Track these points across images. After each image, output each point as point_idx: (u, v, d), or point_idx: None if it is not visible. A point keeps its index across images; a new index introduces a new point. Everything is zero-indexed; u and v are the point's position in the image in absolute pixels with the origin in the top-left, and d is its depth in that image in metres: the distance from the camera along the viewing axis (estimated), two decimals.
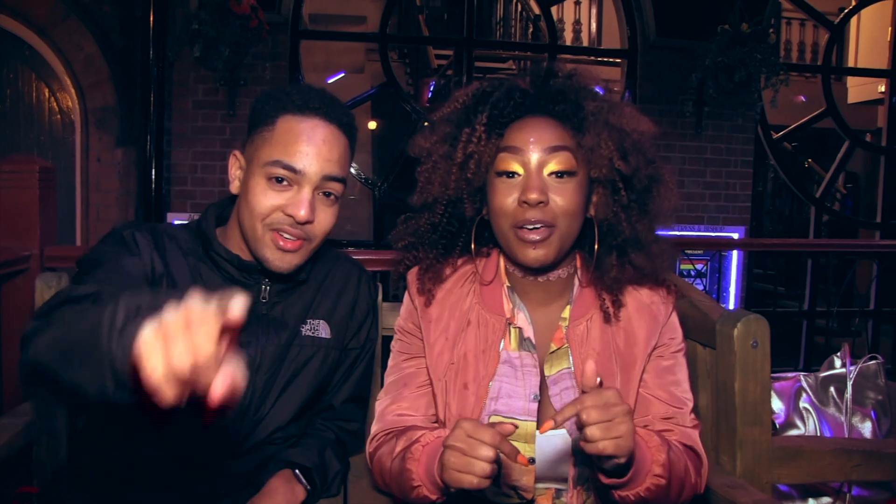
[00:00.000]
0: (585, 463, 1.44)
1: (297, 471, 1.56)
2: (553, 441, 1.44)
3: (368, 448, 1.58)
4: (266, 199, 1.46)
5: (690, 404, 1.52)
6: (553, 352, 1.50)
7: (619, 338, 1.50)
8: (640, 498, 1.34)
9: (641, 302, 1.52)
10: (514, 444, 1.40)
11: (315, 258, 1.64)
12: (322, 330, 1.64)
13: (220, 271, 1.55)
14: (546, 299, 1.54)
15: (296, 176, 1.45)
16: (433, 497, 1.35)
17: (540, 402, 1.47)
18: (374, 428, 1.59)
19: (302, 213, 1.45)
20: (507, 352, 1.51)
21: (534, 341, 1.50)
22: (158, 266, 1.48)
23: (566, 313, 1.52)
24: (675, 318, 1.56)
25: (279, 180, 1.46)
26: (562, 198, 1.41)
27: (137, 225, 1.52)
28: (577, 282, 1.55)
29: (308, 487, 1.55)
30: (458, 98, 1.55)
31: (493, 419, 1.44)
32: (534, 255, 1.42)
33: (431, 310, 1.56)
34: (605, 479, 1.32)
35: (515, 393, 1.47)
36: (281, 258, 1.49)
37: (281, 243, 1.47)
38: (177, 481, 1.53)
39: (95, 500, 1.53)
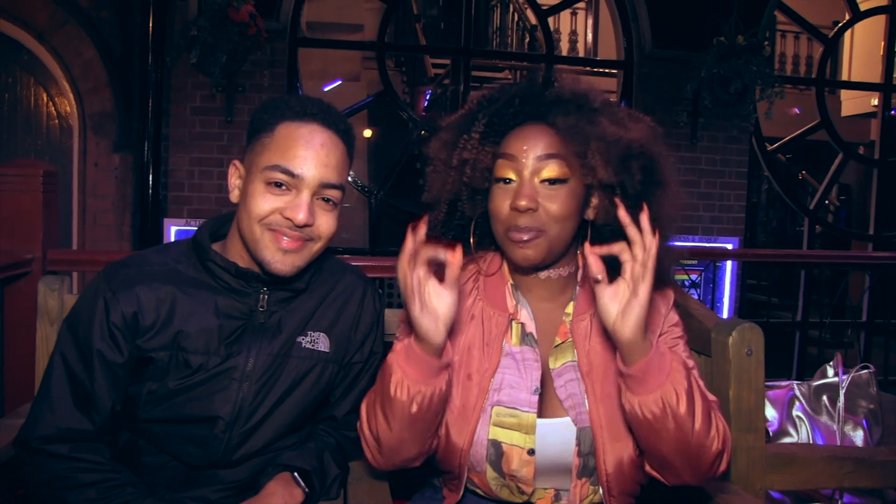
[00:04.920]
0: (590, 453, 1.48)
1: (295, 474, 1.55)
2: (556, 430, 1.49)
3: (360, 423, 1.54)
4: (264, 202, 1.46)
5: (702, 383, 1.50)
6: (558, 345, 1.55)
7: None
8: (661, 407, 1.32)
9: None
10: (516, 434, 1.48)
11: (319, 269, 1.65)
12: (321, 343, 1.63)
13: (216, 280, 1.54)
14: (548, 296, 1.59)
15: (294, 180, 1.46)
16: (411, 382, 1.37)
17: (542, 394, 1.51)
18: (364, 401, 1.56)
19: (301, 216, 1.45)
20: (508, 346, 1.56)
21: (536, 336, 1.55)
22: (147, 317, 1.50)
23: (570, 309, 1.57)
24: (674, 312, 1.60)
25: (278, 185, 1.46)
26: (553, 203, 1.47)
27: (111, 284, 1.50)
28: (578, 280, 1.60)
29: (306, 490, 1.54)
30: (468, 103, 1.62)
31: (496, 410, 1.50)
32: (521, 254, 1.49)
33: None
34: (625, 368, 1.33)
35: (518, 385, 1.52)
36: (282, 259, 1.48)
37: (282, 244, 1.47)
38: (177, 487, 1.56)
39: None
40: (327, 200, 1.51)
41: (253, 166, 1.50)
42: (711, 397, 1.49)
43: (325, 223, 1.51)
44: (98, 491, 1.41)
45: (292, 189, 1.47)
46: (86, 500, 1.40)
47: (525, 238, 1.47)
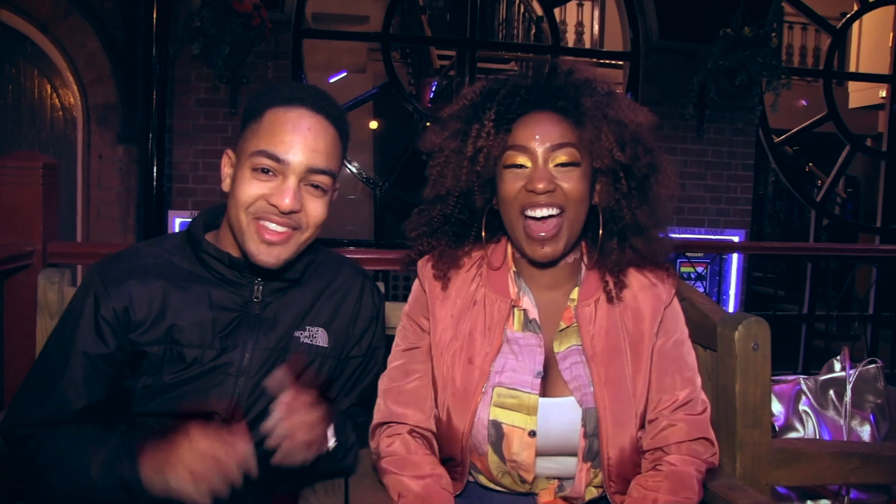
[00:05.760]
0: (594, 434, 1.49)
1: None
2: (560, 409, 1.51)
3: (371, 442, 1.62)
4: (250, 188, 1.44)
5: (699, 381, 1.58)
6: (563, 329, 1.57)
7: (626, 317, 1.56)
8: None
9: (644, 282, 1.60)
10: (517, 415, 1.50)
11: (316, 262, 1.64)
12: (320, 338, 1.61)
13: (210, 272, 1.53)
14: (553, 284, 1.61)
15: (280, 166, 1.44)
16: None
17: (546, 378, 1.53)
18: (377, 415, 1.62)
19: (286, 201, 1.43)
20: (511, 331, 1.57)
21: (539, 322, 1.57)
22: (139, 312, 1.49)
23: (575, 294, 1.59)
24: (676, 303, 1.63)
25: (265, 171, 1.44)
26: (568, 183, 1.50)
27: (103, 278, 1.49)
28: (583, 266, 1.62)
29: (335, 441, 1.51)
30: (467, 95, 1.63)
31: (497, 391, 1.52)
32: (542, 252, 1.52)
33: (441, 290, 1.62)
34: None
35: (520, 368, 1.54)
36: (267, 251, 1.47)
37: (266, 236, 1.45)
38: None
39: None
40: (316, 187, 1.48)
41: (242, 153, 1.49)
42: (695, 375, 1.58)
43: (314, 210, 1.49)
44: (68, 443, 1.40)
45: (279, 175, 1.45)
46: (55, 453, 1.39)
47: (545, 234, 1.50)
